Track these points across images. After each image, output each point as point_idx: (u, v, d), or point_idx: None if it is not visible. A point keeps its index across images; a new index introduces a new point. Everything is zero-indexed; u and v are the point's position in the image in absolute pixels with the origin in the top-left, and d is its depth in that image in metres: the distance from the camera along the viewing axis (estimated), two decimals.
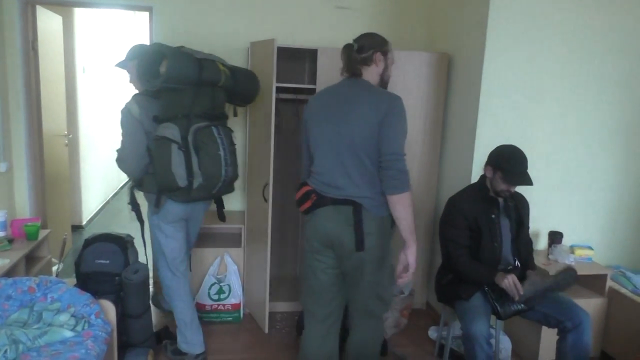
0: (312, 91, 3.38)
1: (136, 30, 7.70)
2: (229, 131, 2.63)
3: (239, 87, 2.77)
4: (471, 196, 2.65)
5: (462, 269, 2.57)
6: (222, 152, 2.52)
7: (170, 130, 2.44)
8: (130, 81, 2.73)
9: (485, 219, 2.58)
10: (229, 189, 2.74)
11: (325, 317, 2.33)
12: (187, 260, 2.91)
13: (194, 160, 2.46)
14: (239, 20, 3.68)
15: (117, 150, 2.61)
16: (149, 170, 2.59)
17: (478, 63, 3.09)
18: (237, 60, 3.70)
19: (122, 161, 2.61)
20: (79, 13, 5.27)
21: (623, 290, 3.02)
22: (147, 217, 2.77)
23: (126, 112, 2.54)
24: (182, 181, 2.45)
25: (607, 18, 3.12)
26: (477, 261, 2.58)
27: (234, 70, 2.76)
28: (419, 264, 3.51)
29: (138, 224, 2.84)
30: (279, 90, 3.34)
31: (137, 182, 2.69)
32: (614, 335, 3.04)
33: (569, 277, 2.47)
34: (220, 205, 2.93)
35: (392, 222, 2.18)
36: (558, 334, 2.54)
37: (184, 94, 2.49)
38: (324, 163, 2.19)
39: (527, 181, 2.46)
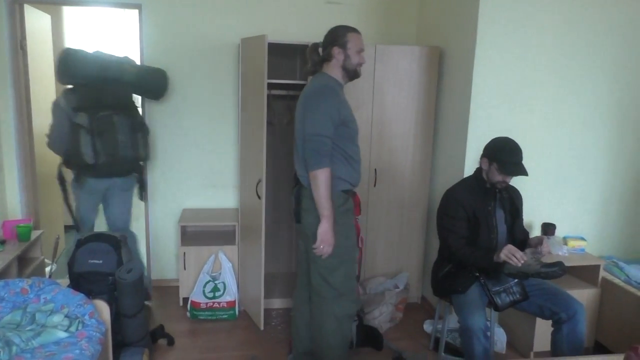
0: (303, 87, 3.37)
1: (126, 28, 7.63)
2: (133, 119, 3.20)
3: (143, 83, 3.32)
4: (468, 188, 2.68)
5: (463, 258, 2.59)
6: (120, 136, 3.11)
7: (81, 118, 3.03)
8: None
9: (482, 210, 2.61)
10: (136, 167, 3.32)
11: (304, 285, 2.60)
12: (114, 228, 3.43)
13: (98, 142, 3.03)
14: (230, 16, 3.66)
15: (47, 135, 3.17)
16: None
17: (469, 56, 3.09)
18: (227, 57, 3.69)
19: (51, 144, 3.18)
20: (67, 11, 5.23)
21: (616, 281, 3.04)
22: (72, 187, 3.28)
23: (55, 104, 3.13)
24: (89, 159, 3.05)
25: (597, 10, 3.12)
26: (474, 247, 2.60)
27: (142, 70, 3.33)
28: (414, 257, 3.50)
29: (134, 225, 3.53)
30: (271, 86, 3.33)
31: (64, 161, 3.20)
32: (607, 325, 3.06)
33: (559, 271, 2.46)
34: (142, 186, 3.47)
35: (343, 202, 2.38)
36: (553, 325, 2.56)
37: (92, 89, 3.11)
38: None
39: (522, 171, 2.49)
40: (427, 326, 3.34)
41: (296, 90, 3.56)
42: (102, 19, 6.69)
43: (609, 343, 3.05)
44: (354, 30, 2.43)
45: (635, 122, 3.34)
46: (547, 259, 2.69)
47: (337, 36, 2.40)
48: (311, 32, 3.74)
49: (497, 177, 2.56)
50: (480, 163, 2.66)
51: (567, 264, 2.97)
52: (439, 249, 2.82)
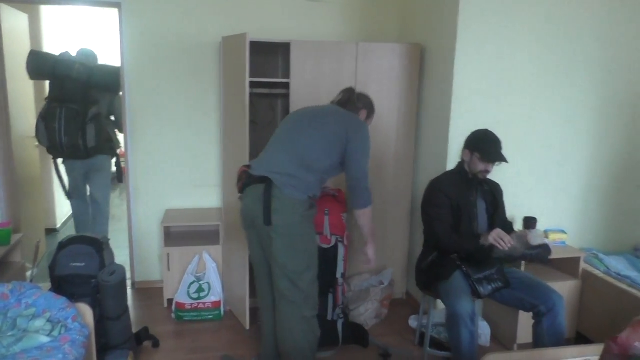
0: (286, 85, 3.37)
1: (106, 27, 7.54)
2: (77, 111, 3.71)
3: (93, 80, 3.78)
4: (451, 179, 2.76)
5: (451, 245, 2.63)
6: (57, 125, 3.68)
7: (41, 109, 3.75)
8: None
9: (464, 200, 2.68)
10: (84, 153, 3.83)
11: (266, 292, 2.57)
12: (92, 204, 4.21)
13: (46, 130, 3.71)
14: (211, 15, 3.63)
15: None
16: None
17: (450, 53, 3.11)
18: (209, 56, 3.66)
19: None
20: (46, 11, 5.15)
21: (596, 272, 3.10)
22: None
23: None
24: (44, 143, 3.79)
25: (577, 5, 3.17)
26: (460, 234, 2.66)
27: (93, 69, 3.81)
28: (398, 253, 3.52)
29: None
30: (253, 85, 3.32)
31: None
32: (588, 316, 3.12)
33: (544, 253, 2.50)
34: (118, 169, 4.25)
35: (309, 207, 2.37)
36: (533, 317, 2.60)
37: (51, 84, 3.76)
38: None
39: (503, 158, 2.59)
40: (412, 321, 3.37)
41: (278, 88, 3.56)
42: (82, 18, 6.60)
43: (590, 333, 3.11)
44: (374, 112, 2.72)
45: (615, 116, 3.40)
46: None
47: (372, 107, 2.68)
48: (293, 30, 3.73)
49: (480, 167, 2.64)
50: (462, 155, 2.74)
51: (548, 256, 3.03)
52: (424, 242, 2.85)
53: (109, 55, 5.87)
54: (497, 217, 2.77)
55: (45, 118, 3.70)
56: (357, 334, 3.08)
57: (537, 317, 2.57)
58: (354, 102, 2.60)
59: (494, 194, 2.80)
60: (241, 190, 2.49)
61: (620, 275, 2.97)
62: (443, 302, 2.64)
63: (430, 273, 2.73)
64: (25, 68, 3.74)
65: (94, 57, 4.02)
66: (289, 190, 2.30)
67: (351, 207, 2.51)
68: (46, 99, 3.78)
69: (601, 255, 3.22)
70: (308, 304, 2.42)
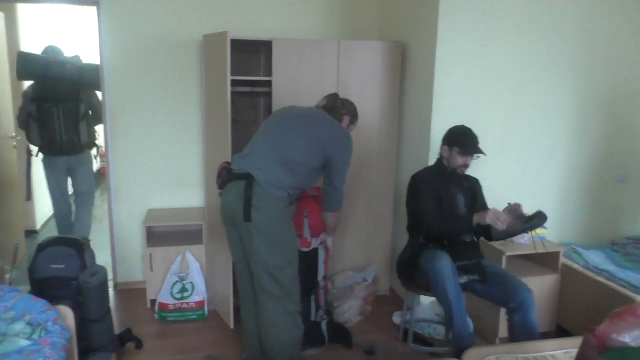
0: (268, 83, 3.36)
1: (84, 25, 7.43)
2: (72, 110, 3.90)
3: (85, 80, 3.94)
4: (432, 173, 2.81)
5: (444, 231, 2.66)
6: (57, 125, 3.84)
7: (32, 109, 3.85)
8: None
9: (445, 192, 2.73)
10: (78, 149, 4.03)
11: (247, 290, 2.57)
12: (75, 203, 4.34)
13: (42, 130, 3.86)
14: (191, 13, 3.61)
15: (17, 118, 4.00)
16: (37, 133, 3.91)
17: (431, 50, 3.14)
18: (190, 54, 3.64)
19: (19, 124, 3.98)
20: (22, 9, 5.05)
21: (575, 266, 3.15)
22: (43, 162, 4.12)
23: (25, 93, 3.93)
24: (37, 142, 3.93)
25: (556, 3, 3.21)
26: (453, 217, 2.70)
27: (83, 68, 3.97)
28: (382, 250, 3.54)
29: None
30: (235, 83, 3.30)
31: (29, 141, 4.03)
32: (568, 310, 3.17)
33: (541, 221, 2.51)
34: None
35: (289, 204, 2.40)
36: (506, 313, 2.63)
37: (42, 85, 3.83)
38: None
39: (481, 151, 2.66)
40: (396, 318, 3.39)
41: (260, 86, 3.55)
42: (60, 16, 6.49)
43: (570, 327, 3.16)
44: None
45: (593, 112, 3.46)
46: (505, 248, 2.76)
47: (356, 114, 2.72)
48: (274, 28, 3.72)
49: (459, 161, 2.70)
50: (441, 152, 2.79)
51: (529, 252, 3.08)
52: (409, 239, 2.87)
53: (88, 54, 5.78)
54: (478, 208, 2.79)
55: (41, 119, 3.83)
56: (340, 335, 3.08)
57: (509, 313, 2.59)
58: (338, 108, 2.63)
59: (473, 189, 2.84)
60: (221, 186, 2.49)
61: (599, 269, 3.03)
62: (426, 273, 2.59)
63: (413, 260, 2.74)
64: (16, 69, 3.82)
65: (60, 53, 4.06)
66: (270, 188, 2.32)
67: (324, 207, 2.67)
68: (33, 99, 3.84)
69: (580, 250, 3.28)
70: (290, 299, 2.43)
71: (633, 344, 1.56)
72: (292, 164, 2.38)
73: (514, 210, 2.57)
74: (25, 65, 3.81)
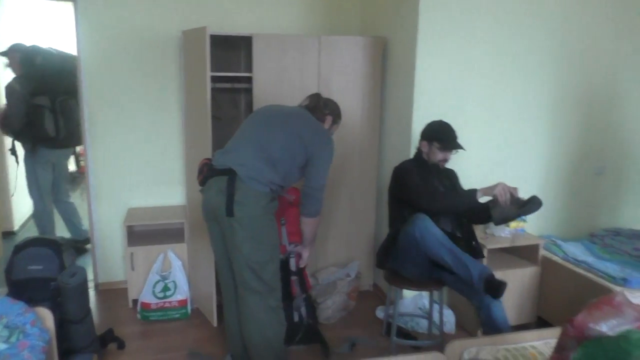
0: (248, 79, 3.34)
1: (61, 21, 7.30)
2: (73, 102, 3.96)
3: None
4: (413, 165, 2.82)
5: (446, 205, 2.60)
6: (60, 118, 3.99)
7: (43, 100, 3.89)
8: (10, 66, 3.99)
9: (426, 183, 2.73)
10: (77, 141, 4.19)
11: (229, 286, 2.56)
12: (57, 197, 4.38)
13: (61, 120, 3.98)
14: (170, 8, 3.56)
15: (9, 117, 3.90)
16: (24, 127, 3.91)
17: (412, 45, 3.14)
18: (169, 50, 3.60)
19: (8, 124, 3.92)
20: None
21: (555, 258, 3.20)
22: (24, 160, 4.11)
23: (11, 89, 3.85)
24: (52, 132, 3.96)
25: None
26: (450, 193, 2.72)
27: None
28: (364, 245, 3.55)
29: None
30: (215, 79, 3.27)
31: (14, 137, 4.02)
32: (548, 301, 3.22)
33: (535, 206, 2.47)
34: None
35: (271, 200, 2.37)
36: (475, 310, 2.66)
37: (35, 78, 3.90)
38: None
39: (460, 146, 2.70)
40: (379, 312, 3.41)
41: (241, 82, 3.52)
42: (36, 12, 6.36)
43: (550, 318, 3.21)
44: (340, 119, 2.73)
45: (572, 106, 3.51)
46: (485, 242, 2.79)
47: (339, 113, 2.70)
48: (254, 23, 3.70)
49: (439, 156, 2.73)
50: (420, 146, 2.81)
51: (509, 244, 3.12)
52: (390, 231, 2.86)
53: (65, 50, 5.68)
54: None
55: (60, 110, 3.96)
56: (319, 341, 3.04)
57: (476, 310, 2.60)
58: (320, 108, 2.62)
59: (451, 180, 2.89)
60: (202, 182, 2.47)
61: (578, 260, 3.08)
62: (411, 240, 2.56)
63: (392, 243, 2.74)
64: (14, 64, 3.91)
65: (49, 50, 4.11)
66: (252, 183, 2.31)
67: (302, 212, 2.57)
68: (32, 91, 3.87)
69: (559, 242, 3.33)
70: (273, 295, 2.43)
71: (610, 333, 1.59)
72: (273, 161, 2.37)
73: (510, 193, 2.54)
74: (25, 59, 3.88)
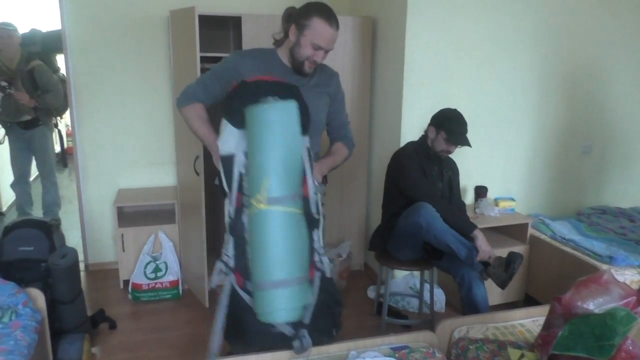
0: None
1: (45, 3, 7.13)
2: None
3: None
4: (415, 150, 2.75)
5: (439, 210, 2.56)
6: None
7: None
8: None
9: (427, 174, 2.71)
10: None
11: None
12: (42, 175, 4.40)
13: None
14: None
15: None
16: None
17: (401, 25, 3.12)
18: (158, 30, 3.54)
19: None
20: None
21: (542, 237, 3.24)
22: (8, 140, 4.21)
23: None
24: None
25: None
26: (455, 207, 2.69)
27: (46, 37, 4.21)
28: (356, 226, 3.54)
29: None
30: (205, 60, 3.22)
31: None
32: (536, 279, 3.27)
33: (517, 267, 2.44)
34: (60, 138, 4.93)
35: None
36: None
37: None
38: None
39: (467, 142, 2.61)
40: (371, 292, 3.44)
41: None
42: None
43: (538, 295, 3.27)
44: (325, 17, 1.98)
45: (559, 86, 3.52)
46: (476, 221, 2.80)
47: (301, 14, 1.99)
48: (243, 3, 3.64)
49: (443, 146, 2.65)
50: (427, 131, 2.73)
51: (498, 224, 3.16)
52: (384, 215, 2.87)
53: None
54: (453, 197, 2.83)
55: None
56: None
57: (458, 285, 2.59)
58: (284, 30, 2.11)
59: (450, 175, 2.83)
60: None
61: (565, 239, 3.12)
62: (410, 217, 2.56)
63: (390, 228, 2.72)
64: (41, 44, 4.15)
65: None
66: None
67: (348, 145, 2.42)
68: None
69: (547, 221, 3.37)
70: None
71: (597, 311, 1.63)
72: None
73: (497, 259, 2.50)
74: (52, 40, 4.05)
